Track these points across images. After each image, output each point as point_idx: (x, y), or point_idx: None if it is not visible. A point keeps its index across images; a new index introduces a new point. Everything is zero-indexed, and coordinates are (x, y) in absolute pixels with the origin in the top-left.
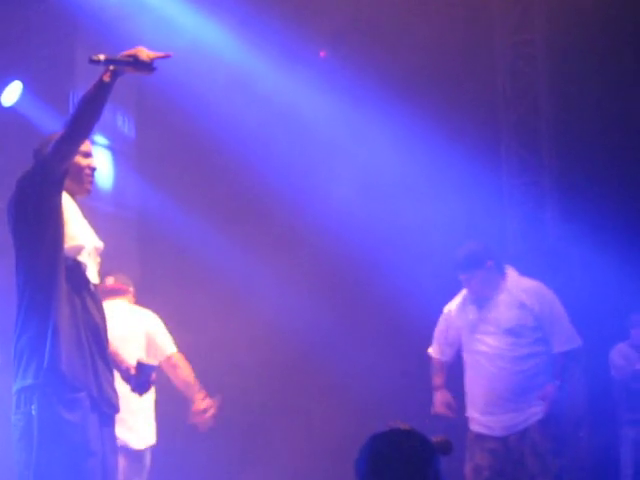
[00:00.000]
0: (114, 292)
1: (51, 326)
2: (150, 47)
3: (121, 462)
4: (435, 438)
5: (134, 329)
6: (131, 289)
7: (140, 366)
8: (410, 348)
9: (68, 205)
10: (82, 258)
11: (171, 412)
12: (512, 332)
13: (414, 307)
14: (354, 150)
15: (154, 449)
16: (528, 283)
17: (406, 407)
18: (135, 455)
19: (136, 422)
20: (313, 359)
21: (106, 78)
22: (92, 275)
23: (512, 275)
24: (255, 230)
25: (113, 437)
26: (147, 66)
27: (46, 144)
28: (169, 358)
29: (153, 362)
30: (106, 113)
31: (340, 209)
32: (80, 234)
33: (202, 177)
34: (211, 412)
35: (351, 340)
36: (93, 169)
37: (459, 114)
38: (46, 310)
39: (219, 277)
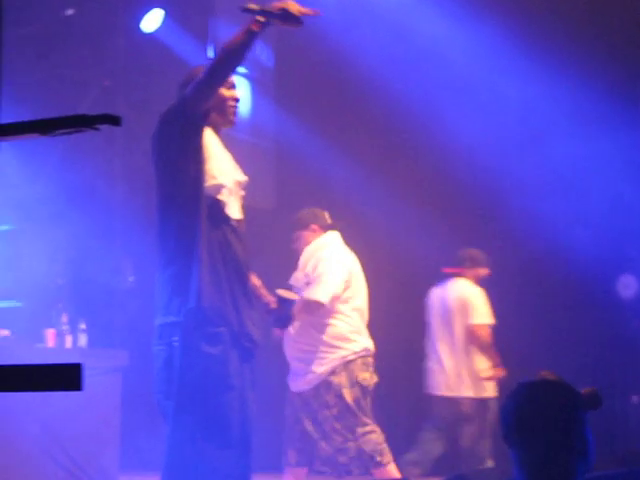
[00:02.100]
0: (454, 275)
1: (194, 264)
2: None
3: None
4: (585, 391)
5: (456, 302)
6: (468, 266)
7: (280, 300)
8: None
9: (211, 140)
10: (222, 197)
11: None
12: None
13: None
14: (502, 88)
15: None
16: (312, 250)
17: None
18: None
19: (447, 372)
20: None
21: (255, 28)
22: (234, 211)
23: (317, 241)
24: (393, 162)
25: (253, 372)
26: (296, 20)
27: (190, 80)
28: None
29: (293, 297)
30: None
31: (488, 149)
32: (221, 172)
33: (340, 107)
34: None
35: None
36: (237, 100)
37: (604, 50)
38: (188, 247)
39: (353, 205)
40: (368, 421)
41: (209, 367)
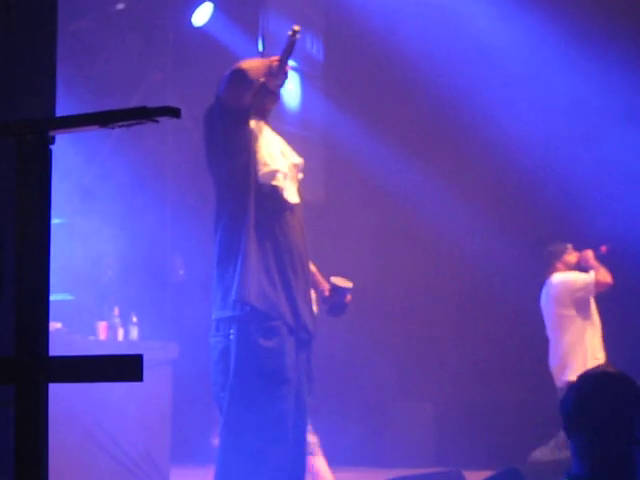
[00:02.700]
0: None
1: (247, 259)
2: None
3: None
4: None
5: (551, 296)
6: (555, 261)
7: (334, 288)
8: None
9: (259, 129)
10: (278, 182)
11: None
12: None
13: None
14: (553, 83)
15: None
16: None
17: None
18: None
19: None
20: (487, 287)
21: (265, 80)
22: (291, 195)
23: None
24: (439, 155)
25: (309, 363)
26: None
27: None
28: None
29: (347, 285)
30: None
31: (537, 144)
32: (273, 159)
33: (389, 100)
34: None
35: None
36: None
37: None
38: (241, 242)
39: (401, 199)
40: None
41: (265, 360)
